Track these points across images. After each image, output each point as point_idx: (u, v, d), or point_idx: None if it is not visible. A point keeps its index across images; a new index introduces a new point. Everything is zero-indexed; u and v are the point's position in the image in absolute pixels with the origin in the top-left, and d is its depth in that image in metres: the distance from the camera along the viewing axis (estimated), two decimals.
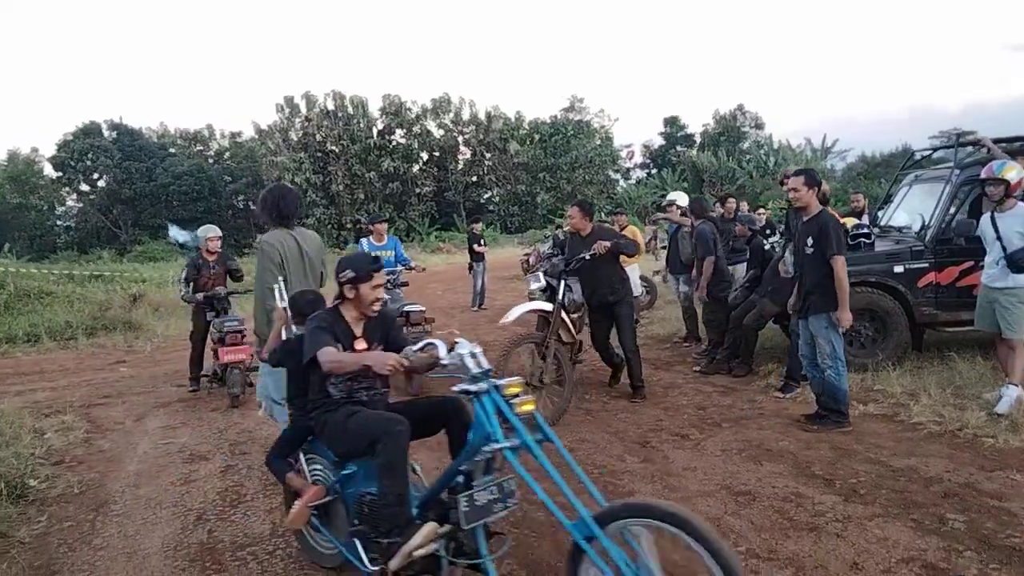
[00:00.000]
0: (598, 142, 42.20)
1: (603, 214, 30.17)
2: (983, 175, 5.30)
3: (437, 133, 43.54)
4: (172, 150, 47.62)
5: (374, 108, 42.05)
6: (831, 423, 4.93)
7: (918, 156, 8.40)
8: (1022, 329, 5.10)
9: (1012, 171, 5.02)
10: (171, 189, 42.58)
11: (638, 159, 50.53)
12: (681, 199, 8.83)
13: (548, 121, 42.75)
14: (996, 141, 6.93)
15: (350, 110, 41.37)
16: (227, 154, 50.19)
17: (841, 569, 2.99)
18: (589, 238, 5.88)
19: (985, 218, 5.25)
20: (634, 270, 9.50)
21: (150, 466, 5.06)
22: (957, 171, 6.54)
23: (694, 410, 5.60)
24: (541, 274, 6.50)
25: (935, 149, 8.18)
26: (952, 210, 6.40)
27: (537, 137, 41.74)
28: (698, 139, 46.81)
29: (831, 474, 4.05)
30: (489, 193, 44.61)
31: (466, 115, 43.69)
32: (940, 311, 6.36)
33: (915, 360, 6.41)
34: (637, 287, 10.26)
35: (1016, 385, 5.01)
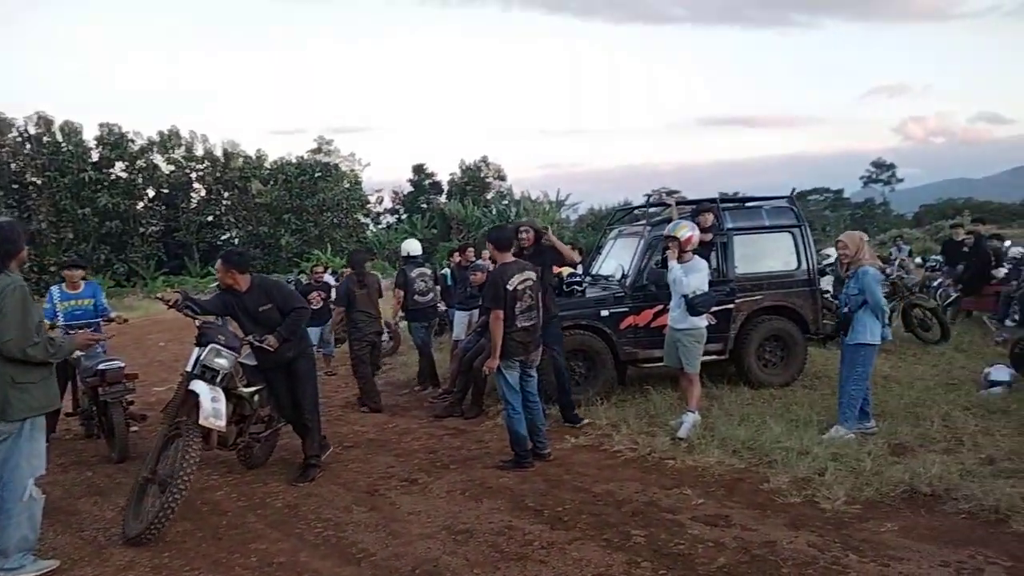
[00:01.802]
0: (347, 185, 41.88)
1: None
2: (664, 233, 6.25)
3: (166, 168, 40.08)
4: None
5: (89, 137, 37.55)
6: (514, 464, 5.17)
7: (621, 213, 9.61)
8: (697, 364, 6.03)
9: (683, 230, 5.98)
10: None
11: (388, 204, 51.02)
12: (412, 247, 9.06)
13: (294, 162, 41.54)
14: (683, 202, 8.19)
15: (59, 137, 36.50)
16: None
17: None
18: (250, 295, 4.97)
19: (672, 267, 6.14)
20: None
21: None
22: (649, 227, 7.60)
23: (425, 454, 5.74)
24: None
25: (631, 209, 9.43)
26: (646, 261, 7.38)
27: (282, 178, 40.31)
28: (446, 187, 48.57)
29: (542, 505, 4.40)
30: (227, 234, 41.88)
31: (200, 151, 40.86)
32: (639, 349, 7.25)
33: (620, 394, 7.22)
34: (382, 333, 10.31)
35: (693, 412, 5.88)
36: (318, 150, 44.54)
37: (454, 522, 4.19)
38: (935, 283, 11.95)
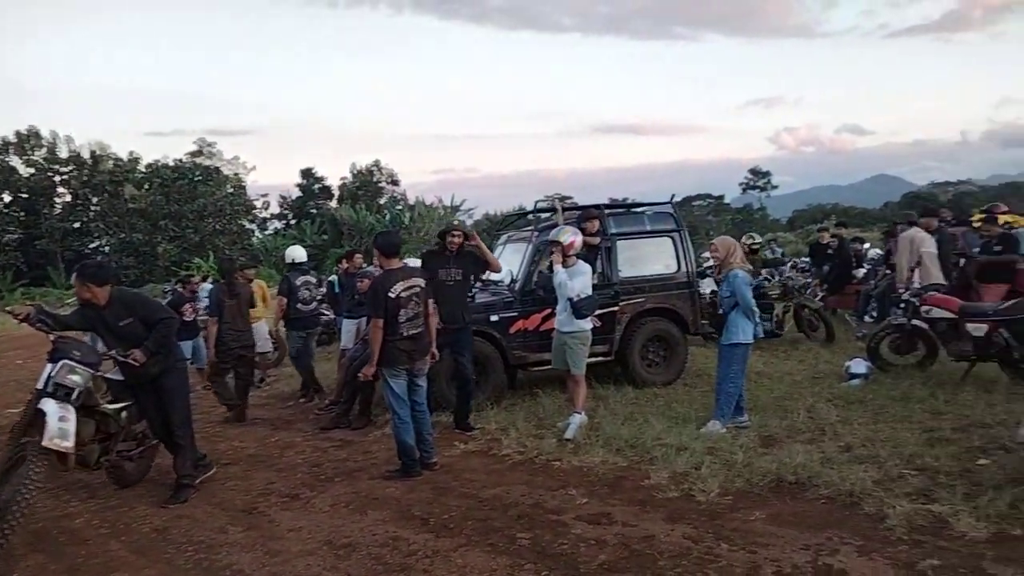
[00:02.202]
0: (230, 190, 40.13)
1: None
2: (549, 238, 6.36)
3: (25, 171, 37.04)
4: None
5: None
6: (401, 473, 5.10)
7: (512, 219, 9.70)
8: (583, 365, 6.16)
9: (565, 235, 6.11)
10: None
11: (275, 209, 49.31)
12: (296, 254, 8.88)
13: (171, 165, 39.40)
14: (569, 208, 8.36)
15: None
16: None
17: None
18: (110, 309, 4.61)
19: (557, 271, 6.23)
20: (261, 325, 9.19)
21: None
22: (536, 233, 7.70)
23: (308, 468, 5.55)
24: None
25: (520, 215, 9.54)
26: (534, 266, 7.47)
27: (158, 181, 38.12)
28: (336, 192, 47.46)
29: (428, 513, 4.35)
30: (97, 242, 39.17)
31: (64, 152, 38.03)
32: (528, 353, 7.32)
33: (510, 398, 7.27)
34: (266, 343, 9.91)
35: (580, 413, 6.00)
36: (198, 152, 42.51)
37: (336, 536, 4.07)
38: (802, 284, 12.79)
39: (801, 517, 3.89)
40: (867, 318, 10.37)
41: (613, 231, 7.70)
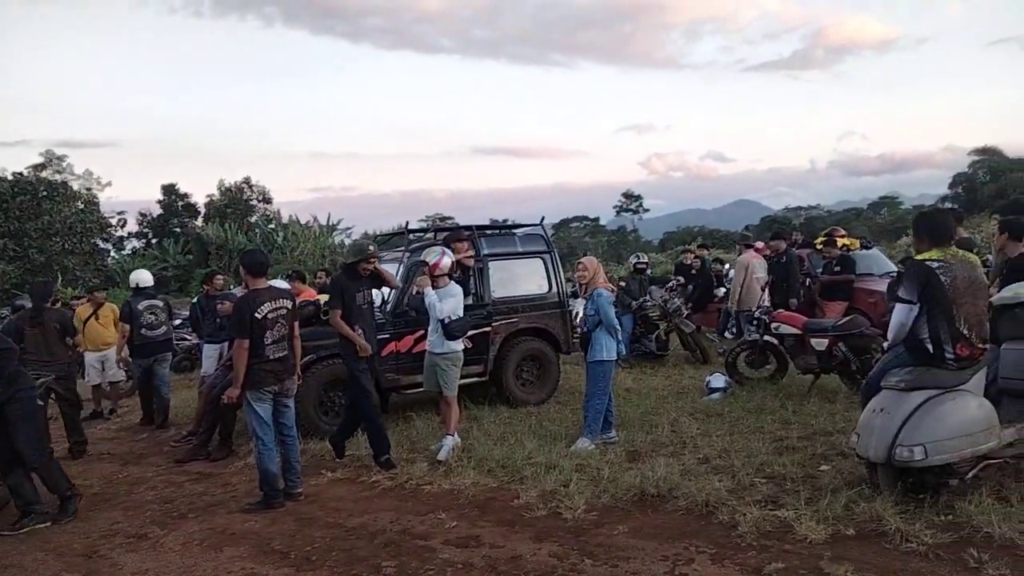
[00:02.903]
0: (81, 206, 37.10)
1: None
2: (419, 258, 6.33)
3: None
4: None
5: None
6: (263, 505, 4.89)
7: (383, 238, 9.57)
8: (454, 387, 6.12)
9: (431, 255, 6.10)
10: None
11: (133, 227, 46.13)
12: (141, 277, 8.67)
13: (10, 179, 35.98)
14: (440, 229, 8.35)
15: None
16: None
17: None
18: None
19: (427, 292, 6.18)
20: (112, 352, 8.58)
21: None
22: (408, 254, 7.62)
23: (160, 504, 5.17)
24: None
25: (390, 236, 9.44)
26: (406, 286, 7.37)
27: None
28: (202, 210, 45.06)
29: (289, 546, 4.15)
30: None
31: None
32: (401, 376, 7.21)
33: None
34: (118, 372, 9.23)
35: (452, 435, 5.95)
36: (43, 166, 39.13)
37: None
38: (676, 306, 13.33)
39: (661, 529, 4.02)
40: (727, 334, 10.99)
41: (486, 252, 7.75)
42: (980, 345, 4.04)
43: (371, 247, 5.78)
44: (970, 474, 3.93)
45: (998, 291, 4.75)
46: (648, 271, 11.01)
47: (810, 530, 3.73)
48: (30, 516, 4.76)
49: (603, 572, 3.51)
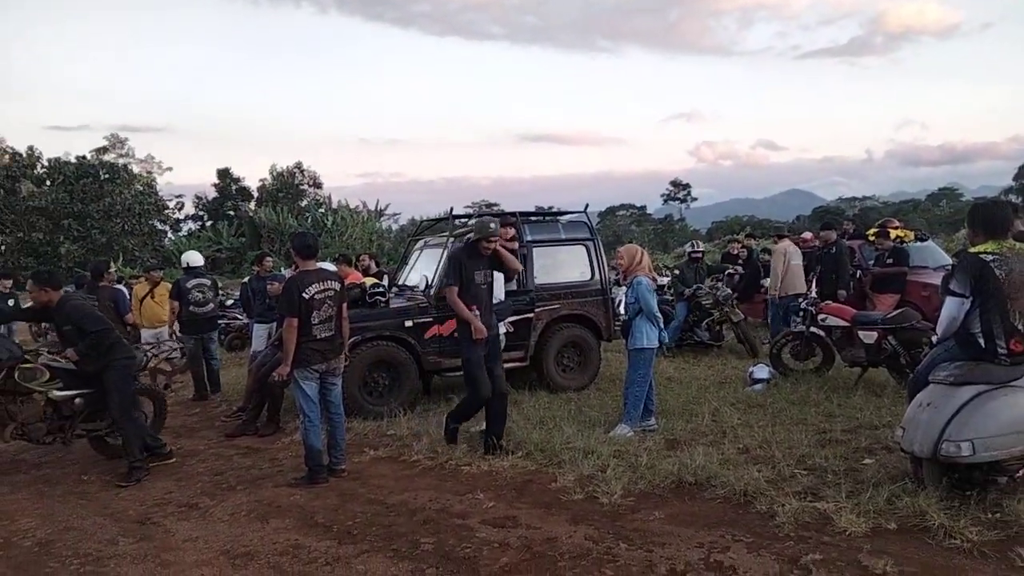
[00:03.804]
0: (140, 189, 38.35)
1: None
2: None
3: None
4: None
5: None
6: (307, 480, 5.01)
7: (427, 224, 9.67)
8: None
9: None
10: None
11: (190, 210, 47.49)
12: (191, 258, 9.06)
13: (74, 162, 37.37)
14: (485, 215, 8.38)
15: None
16: None
17: None
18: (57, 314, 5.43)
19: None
20: (165, 329, 8.89)
21: None
22: (452, 239, 7.70)
23: (210, 476, 5.37)
24: None
25: (436, 220, 9.53)
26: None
27: (60, 179, 36.07)
28: (255, 194, 46.13)
29: (332, 520, 4.28)
30: None
31: None
32: (443, 359, 7.30)
33: (424, 404, 7.24)
34: (172, 349, 9.57)
35: None
36: (105, 149, 40.53)
37: (234, 546, 3.95)
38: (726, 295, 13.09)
39: (697, 516, 4.02)
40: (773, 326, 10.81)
41: (529, 238, 7.78)
42: None
43: (493, 225, 5.34)
44: (1020, 473, 3.82)
45: None
46: (703, 259, 10.73)
47: (850, 523, 3.69)
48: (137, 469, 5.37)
49: (638, 556, 3.54)
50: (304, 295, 5.00)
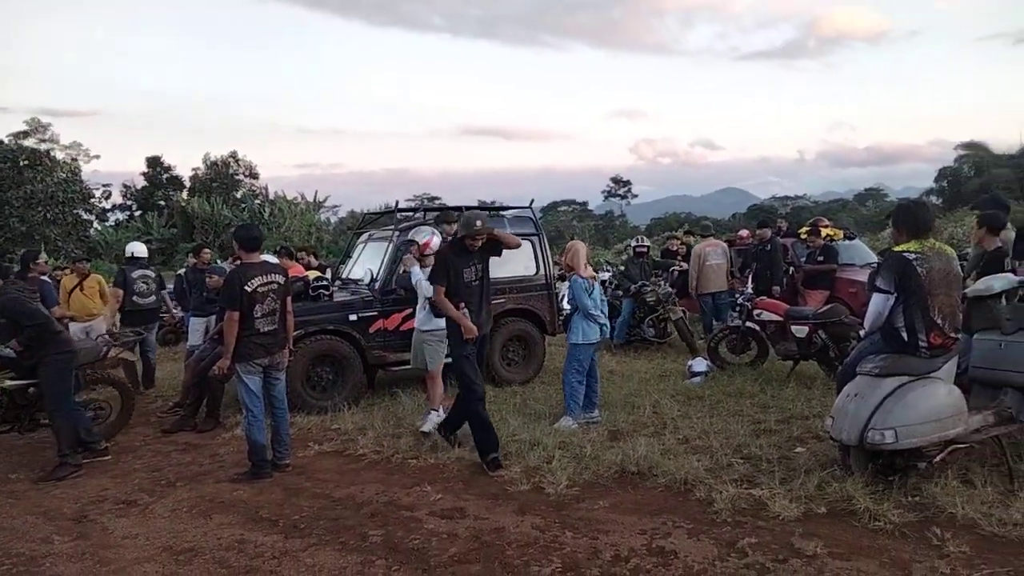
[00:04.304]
0: (63, 176, 36.59)
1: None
2: (408, 238, 6.40)
3: None
4: None
5: None
6: (251, 475, 4.96)
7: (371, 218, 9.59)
8: (438, 363, 6.21)
9: (421, 234, 6.17)
10: None
11: (117, 199, 45.63)
12: (137, 248, 8.98)
13: None
14: (430, 209, 8.40)
15: None
16: None
17: None
18: None
19: (414, 271, 6.26)
20: (99, 323, 8.58)
21: None
22: (397, 232, 7.67)
23: (148, 473, 5.24)
24: None
25: (380, 214, 9.47)
26: (395, 265, 7.43)
27: None
28: (188, 183, 44.63)
29: (277, 515, 4.24)
30: None
31: None
32: (388, 353, 7.28)
33: (369, 398, 7.21)
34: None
35: (437, 410, 6.04)
36: (25, 134, 38.51)
37: (177, 542, 3.88)
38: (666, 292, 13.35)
39: (640, 504, 4.15)
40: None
41: None
42: (952, 335, 4.17)
43: (478, 223, 5.11)
44: (938, 458, 4.08)
45: (974, 283, 4.90)
46: (648, 254, 10.65)
47: (783, 508, 3.88)
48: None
49: (583, 544, 3.64)
50: (247, 288, 4.92)
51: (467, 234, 5.14)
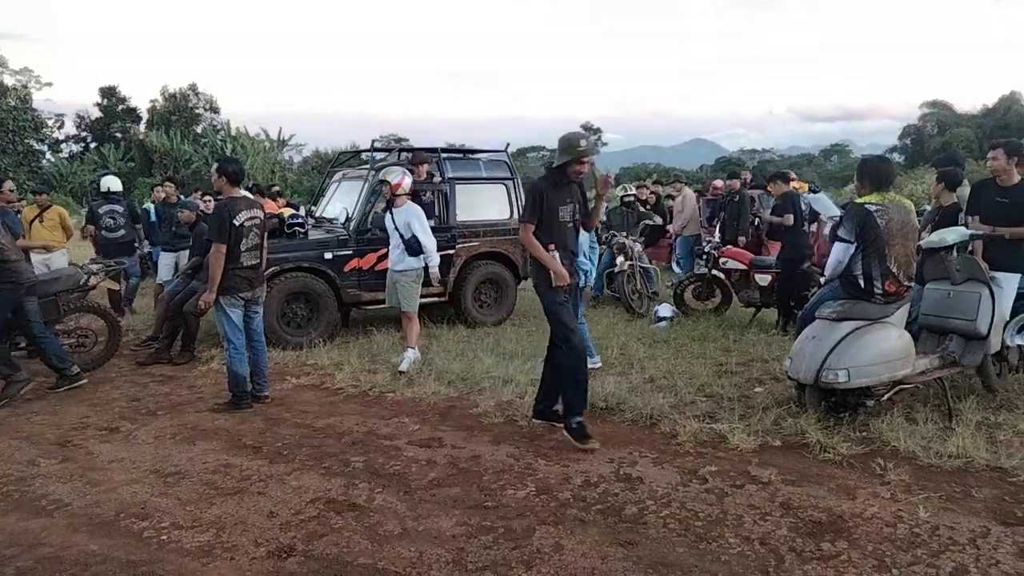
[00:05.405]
0: (13, 103, 35.07)
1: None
2: (379, 177, 6.45)
3: None
4: None
5: None
6: (231, 405, 5.10)
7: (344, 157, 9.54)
8: (414, 303, 6.34)
9: (392, 175, 6.22)
10: None
11: (71, 130, 44.02)
12: (111, 183, 8.98)
13: None
14: (405, 150, 8.40)
15: None
16: None
17: (259, 520, 3.32)
18: None
19: (387, 212, 6.33)
20: (62, 255, 8.47)
21: None
22: (373, 172, 7.68)
23: (127, 402, 5.32)
24: None
25: (356, 152, 9.41)
26: (370, 205, 7.47)
27: None
28: (145, 115, 43.16)
29: (260, 442, 4.39)
30: None
31: None
32: (363, 292, 7.38)
33: (344, 336, 7.33)
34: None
35: (413, 348, 6.21)
36: None
37: (164, 465, 4.01)
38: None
39: (608, 436, 4.38)
40: (676, 268, 11.43)
41: (451, 175, 7.86)
42: (906, 283, 4.43)
43: (582, 142, 4.24)
44: (885, 396, 4.38)
45: (929, 236, 5.16)
46: (635, 204, 9.89)
47: (741, 441, 4.15)
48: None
49: (555, 471, 3.86)
50: (235, 222, 4.97)
51: (573, 158, 4.25)
